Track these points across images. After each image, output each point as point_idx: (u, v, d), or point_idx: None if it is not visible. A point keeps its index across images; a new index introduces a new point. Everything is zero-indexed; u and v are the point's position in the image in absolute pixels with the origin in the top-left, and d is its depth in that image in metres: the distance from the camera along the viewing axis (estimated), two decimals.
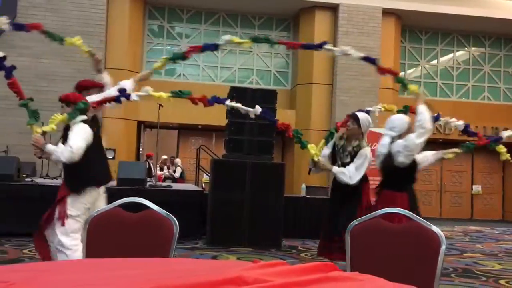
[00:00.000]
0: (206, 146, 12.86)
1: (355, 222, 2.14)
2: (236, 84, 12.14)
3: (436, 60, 14.15)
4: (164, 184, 8.65)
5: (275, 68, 13.41)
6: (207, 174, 11.60)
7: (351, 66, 11.91)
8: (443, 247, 1.95)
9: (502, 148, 4.76)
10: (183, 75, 13.00)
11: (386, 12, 12.47)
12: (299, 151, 12.73)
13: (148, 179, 8.03)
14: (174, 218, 2.12)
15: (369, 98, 11.86)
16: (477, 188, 14.38)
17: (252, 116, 4.57)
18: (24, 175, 7.34)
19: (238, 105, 4.51)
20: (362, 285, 1.42)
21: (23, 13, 10.90)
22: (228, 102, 4.49)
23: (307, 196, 8.12)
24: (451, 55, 14.18)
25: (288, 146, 13.55)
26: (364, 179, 4.63)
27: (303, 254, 6.37)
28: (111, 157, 11.34)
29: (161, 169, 12.46)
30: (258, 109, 4.49)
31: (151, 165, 11.51)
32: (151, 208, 2.19)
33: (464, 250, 7.41)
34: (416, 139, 4.01)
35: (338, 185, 4.65)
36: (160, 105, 9.14)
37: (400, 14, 12.86)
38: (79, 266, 1.63)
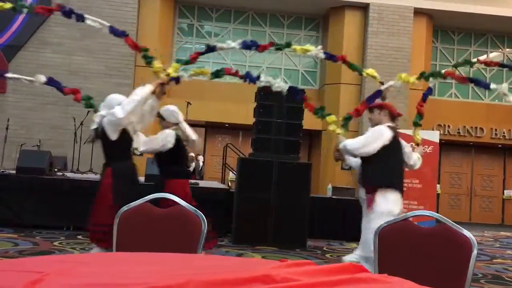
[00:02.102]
0: (233, 144, 12.91)
1: (383, 224, 2.12)
2: None
3: None
4: (191, 181, 8.73)
5: (303, 67, 13.36)
6: (233, 173, 11.65)
7: (380, 66, 11.75)
8: (475, 251, 1.91)
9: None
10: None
11: (418, 12, 12.27)
12: (325, 152, 12.67)
13: None
14: (203, 215, 2.15)
15: (398, 99, 11.67)
16: (509, 193, 14.01)
17: (282, 91, 4.56)
18: (56, 169, 7.52)
19: (269, 79, 4.57)
20: (391, 287, 1.41)
21: (56, 13, 11.14)
22: (262, 77, 4.65)
23: (333, 196, 8.06)
24: (485, 56, 13.85)
25: (315, 146, 13.50)
26: None
27: (328, 255, 6.33)
28: (139, 154, 11.53)
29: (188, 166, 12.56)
30: (285, 87, 4.60)
31: None
32: (179, 204, 2.21)
33: (493, 256, 7.24)
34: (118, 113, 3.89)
35: None
36: (188, 102, 9.23)
37: (432, 14, 12.63)
38: (109, 259, 1.66)
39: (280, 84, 4.59)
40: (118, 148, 3.97)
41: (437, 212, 2.51)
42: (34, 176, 6.77)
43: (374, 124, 4.39)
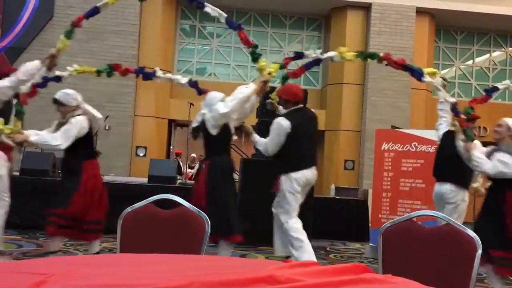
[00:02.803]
0: (236, 145, 12.91)
1: (387, 224, 2.12)
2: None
3: (472, 60, 13.81)
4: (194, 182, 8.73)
5: None
6: (236, 173, 11.65)
7: (383, 67, 11.74)
8: (479, 251, 1.91)
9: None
10: (214, 74, 13.08)
11: (420, 12, 12.24)
12: (328, 152, 12.66)
13: (178, 177, 8.13)
14: (206, 216, 2.15)
15: (401, 99, 11.68)
16: None
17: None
18: (59, 171, 7.53)
19: (168, 74, 4.86)
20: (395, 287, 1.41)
21: (59, 13, 11.19)
22: (158, 73, 4.73)
23: (336, 197, 8.06)
24: (487, 55, 13.81)
25: (318, 147, 13.47)
26: None
27: (331, 255, 6.32)
28: (142, 155, 11.55)
29: (190, 167, 12.57)
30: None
31: (181, 163, 11.63)
32: (183, 205, 2.21)
33: None
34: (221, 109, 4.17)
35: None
36: (191, 103, 9.24)
37: (435, 13, 12.60)
38: (114, 261, 1.66)
39: (177, 76, 4.75)
40: (217, 143, 4.20)
41: None
42: (37, 178, 6.79)
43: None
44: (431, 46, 12.97)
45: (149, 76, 4.73)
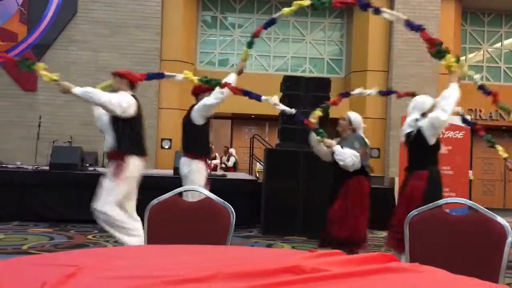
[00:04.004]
0: (260, 135, 12.92)
1: (414, 212, 2.09)
2: (289, 73, 12.06)
3: (500, 43, 13.43)
4: (219, 173, 8.79)
5: (328, 55, 13.22)
6: (260, 164, 11.66)
7: (408, 52, 11.55)
8: (510, 239, 1.86)
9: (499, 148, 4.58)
10: (236, 65, 13.05)
11: None
12: None
13: None
14: (231, 207, 2.16)
15: (428, 85, 11.45)
16: None
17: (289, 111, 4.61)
18: (87, 164, 7.68)
19: (276, 103, 4.57)
20: (422, 276, 1.39)
21: (83, 9, 11.33)
22: (263, 98, 4.52)
23: None
24: None
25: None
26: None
27: None
28: (167, 147, 11.68)
29: (213, 158, 12.63)
30: (292, 111, 4.63)
31: None
32: (208, 196, 2.23)
33: None
34: (441, 116, 3.82)
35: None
36: None
37: None
38: (141, 252, 1.69)
39: (284, 108, 4.65)
40: (433, 152, 4.01)
41: (470, 199, 2.45)
42: (67, 172, 6.94)
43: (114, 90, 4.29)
44: (458, 29, 12.65)
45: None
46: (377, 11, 4.19)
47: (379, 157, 12.05)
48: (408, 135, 4.04)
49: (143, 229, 2.25)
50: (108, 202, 3.99)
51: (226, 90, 4.45)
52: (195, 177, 4.61)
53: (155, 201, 2.26)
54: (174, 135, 11.75)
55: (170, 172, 7.52)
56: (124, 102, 3.99)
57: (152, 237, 2.20)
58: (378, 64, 12.04)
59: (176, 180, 6.92)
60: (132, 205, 4.24)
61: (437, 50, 3.98)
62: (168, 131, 11.70)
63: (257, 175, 10.51)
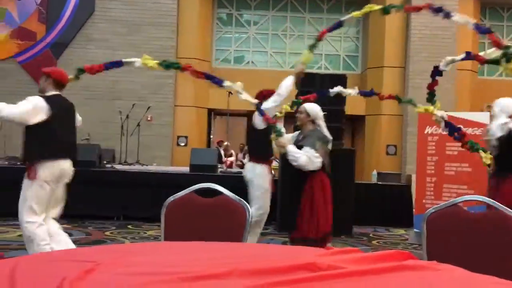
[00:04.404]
0: None
1: (432, 209, 2.07)
2: (305, 70, 11.99)
3: None
4: (234, 170, 8.81)
5: (344, 52, 13.14)
6: (276, 161, 11.63)
7: (425, 48, 11.41)
8: None
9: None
10: (252, 62, 13.07)
11: None
12: (369, 137, 12.46)
13: (219, 165, 8.21)
14: (247, 204, 2.16)
15: (445, 80, 11.23)
16: None
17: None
18: (105, 162, 7.77)
19: (233, 85, 4.50)
20: (440, 275, 1.38)
21: (100, 8, 11.43)
22: (226, 84, 4.47)
23: (378, 182, 7.94)
24: None
25: (359, 132, 13.29)
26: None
27: (374, 242, 6.26)
28: (183, 144, 11.75)
29: (226, 156, 12.63)
30: (255, 101, 4.58)
31: (221, 152, 11.73)
32: (224, 194, 2.24)
33: None
34: None
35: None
36: (230, 92, 9.28)
37: None
38: (158, 248, 1.71)
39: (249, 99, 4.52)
40: None
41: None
42: (84, 169, 7.02)
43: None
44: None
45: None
46: (447, 15, 4.23)
47: (395, 154, 11.95)
48: (499, 139, 3.96)
49: (161, 225, 2.26)
50: (24, 208, 3.81)
51: (284, 92, 4.45)
52: (260, 181, 4.66)
53: (171, 198, 2.27)
54: (190, 132, 11.82)
55: (186, 169, 7.57)
56: (24, 112, 3.72)
57: (169, 234, 2.22)
58: (395, 60, 11.93)
59: (192, 177, 6.98)
60: (54, 212, 4.11)
61: (504, 53, 4.01)
62: (184, 129, 11.76)
63: (273, 172, 10.50)
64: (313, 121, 4.25)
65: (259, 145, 4.77)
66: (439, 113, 4.85)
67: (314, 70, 12.16)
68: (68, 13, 11.41)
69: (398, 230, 7.09)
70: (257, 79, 12.50)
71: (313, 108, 4.27)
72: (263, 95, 4.69)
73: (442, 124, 4.90)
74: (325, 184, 4.21)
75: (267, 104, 4.50)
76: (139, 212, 6.73)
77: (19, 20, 11.45)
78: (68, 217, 6.74)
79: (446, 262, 1.47)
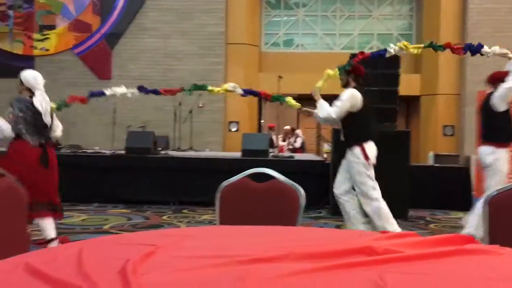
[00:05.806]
0: None
1: (494, 191, 1.99)
2: (356, 51, 11.72)
3: None
4: (286, 154, 8.81)
5: (397, 30, 12.72)
6: (328, 144, 11.52)
7: (485, 23, 10.85)
8: None
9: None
10: (301, 45, 12.91)
11: None
12: (424, 118, 12.05)
13: (270, 150, 8.24)
14: (300, 188, 2.16)
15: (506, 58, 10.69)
16: None
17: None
18: (160, 148, 7.98)
19: None
20: (503, 259, 1.33)
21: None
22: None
23: (435, 164, 7.69)
24: None
25: (413, 113, 12.90)
26: None
27: (432, 225, 6.09)
28: (235, 130, 11.86)
29: (283, 140, 12.63)
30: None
31: (273, 137, 11.74)
32: (277, 178, 2.25)
33: None
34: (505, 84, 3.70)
35: None
36: (280, 76, 9.26)
37: None
38: (214, 233, 1.74)
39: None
40: None
41: None
42: (141, 156, 7.25)
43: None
44: None
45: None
46: None
47: (453, 135, 11.52)
48: None
49: (215, 210, 2.31)
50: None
51: None
52: (501, 165, 4.55)
53: (225, 183, 2.31)
54: (241, 118, 11.90)
55: (237, 154, 7.64)
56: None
57: (224, 218, 2.26)
58: (452, 37, 11.36)
59: (244, 162, 7.05)
60: None
61: None
62: (235, 114, 11.86)
63: (325, 156, 10.40)
64: (29, 90, 3.88)
65: (498, 128, 4.64)
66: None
67: (366, 51, 11.86)
68: (120, 3, 11.72)
69: (457, 213, 6.86)
70: (306, 62, 12.39)
71: (26, 76, 3.87)
72: (495, 78, 4.67)
73: None
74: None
75: (508, 84, 4.50)
76: (193, 196, 6.89)
77: (75, 13, 11.89)
78: (127, 203, 7.02)
79: (509, 246, 1.42)
